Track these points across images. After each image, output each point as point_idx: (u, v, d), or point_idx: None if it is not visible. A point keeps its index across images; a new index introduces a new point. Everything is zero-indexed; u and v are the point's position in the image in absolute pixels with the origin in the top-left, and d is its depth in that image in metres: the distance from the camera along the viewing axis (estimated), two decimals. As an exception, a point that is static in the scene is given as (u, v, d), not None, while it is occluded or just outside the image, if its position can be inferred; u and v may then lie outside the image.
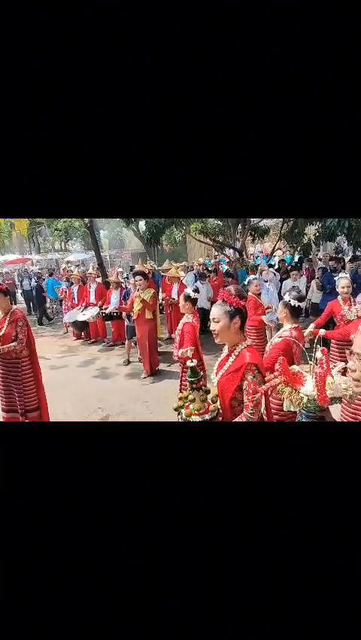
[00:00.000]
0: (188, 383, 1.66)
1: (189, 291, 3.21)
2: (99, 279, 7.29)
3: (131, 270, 9.21)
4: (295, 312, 2.40)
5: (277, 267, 8.04)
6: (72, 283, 7.63)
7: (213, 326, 1.58)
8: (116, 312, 5.83)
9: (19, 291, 11.70)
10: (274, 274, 6.65)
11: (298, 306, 2.40)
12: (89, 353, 6.32)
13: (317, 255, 8.96)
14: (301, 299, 2.43)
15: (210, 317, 1.60)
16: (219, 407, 1.64)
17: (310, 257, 8.13)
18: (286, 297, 2.46)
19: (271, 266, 7.81)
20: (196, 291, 3.28)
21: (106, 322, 6.64)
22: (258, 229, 8.02)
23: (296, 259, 9.27)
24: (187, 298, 3.13)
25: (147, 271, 5.55)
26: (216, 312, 1.56)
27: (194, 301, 3.18)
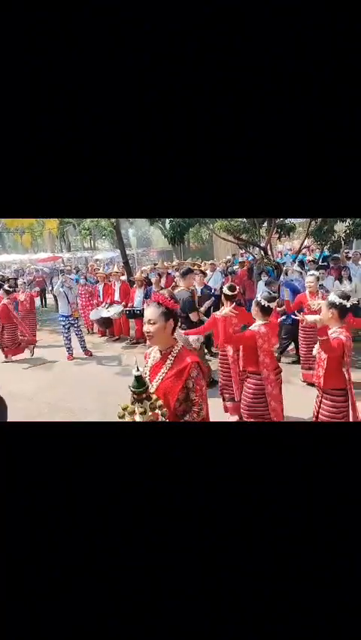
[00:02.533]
0: (135, 394, 1.58)
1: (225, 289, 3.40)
2: (124, 278, 7.41)
3: (154, 267, 9.20)
4: (265, 311, 2.71)
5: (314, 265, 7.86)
6: (96, 281, 7.87)
7: (147, 327, 1.58)
8: (140, 310, 5.93)
9: (50, 288, 11.94)
10: (301, 273, 6.50)
11: (268, 305, 2.70)
12: (112, 350, 6.44)
13: (346, 253, 8.50)
14: (271, 299, 2.73)
15: (145, 320, 1.60)
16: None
17: (338, 255, 7.89)
18: (258, 297, 2.77)
19: (300, 263, 7.65)
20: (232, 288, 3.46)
21: (129, 320, 6.80)
22: (284, 226, 7.92)
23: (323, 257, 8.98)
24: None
25: (168, 270, 5.68)
26: (152, 313, 1.56)
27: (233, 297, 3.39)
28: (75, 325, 5.81)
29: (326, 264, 7.62)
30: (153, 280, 6.13)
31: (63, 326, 5.72)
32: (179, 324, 1.61)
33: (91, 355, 5.91)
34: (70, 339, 5.80)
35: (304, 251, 9.32)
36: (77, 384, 4.58)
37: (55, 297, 6.05)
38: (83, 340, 5.94)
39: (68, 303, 5.67)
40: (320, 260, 8.42)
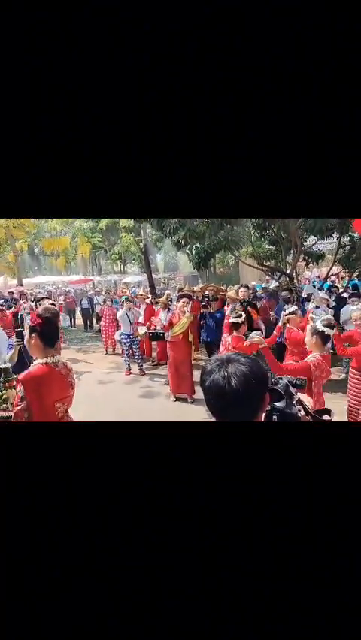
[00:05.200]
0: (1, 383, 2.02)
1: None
2: (148, 300, 7.66)
3: (179, 291, 9.39)
4: (325, 340, 2.41)
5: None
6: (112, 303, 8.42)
7: None
8: (162, 333, 5.97)
9: (79, 309, 12.30)
10: (327, 300, 6.09)
11: (328, 333, 2.39)
12: (134, 370, 6.52)
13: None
14: (330, 326, 2.43)
15: None
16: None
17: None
18: (318, 324, 2.43)
19: (327, 289, 7.51)
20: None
21: (152, 342, 6.90)
22: (312, 254, 7.76)
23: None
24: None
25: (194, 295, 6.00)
26: None
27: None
28: (136, 343, 6.31)
29: (356, 292, 7.40)
30: (176, 304, 6.20)
31: (125, 343, 6.20)
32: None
33: (144, 374, 6.21)
34: (129, 356, 6.34)
35: (332, 278, 9.22)
36: (98, 403, 4.66)
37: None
38: (142, 359, 6.38)
39: (130, 323, 6.27)
40: (349, 287, 8.24)
